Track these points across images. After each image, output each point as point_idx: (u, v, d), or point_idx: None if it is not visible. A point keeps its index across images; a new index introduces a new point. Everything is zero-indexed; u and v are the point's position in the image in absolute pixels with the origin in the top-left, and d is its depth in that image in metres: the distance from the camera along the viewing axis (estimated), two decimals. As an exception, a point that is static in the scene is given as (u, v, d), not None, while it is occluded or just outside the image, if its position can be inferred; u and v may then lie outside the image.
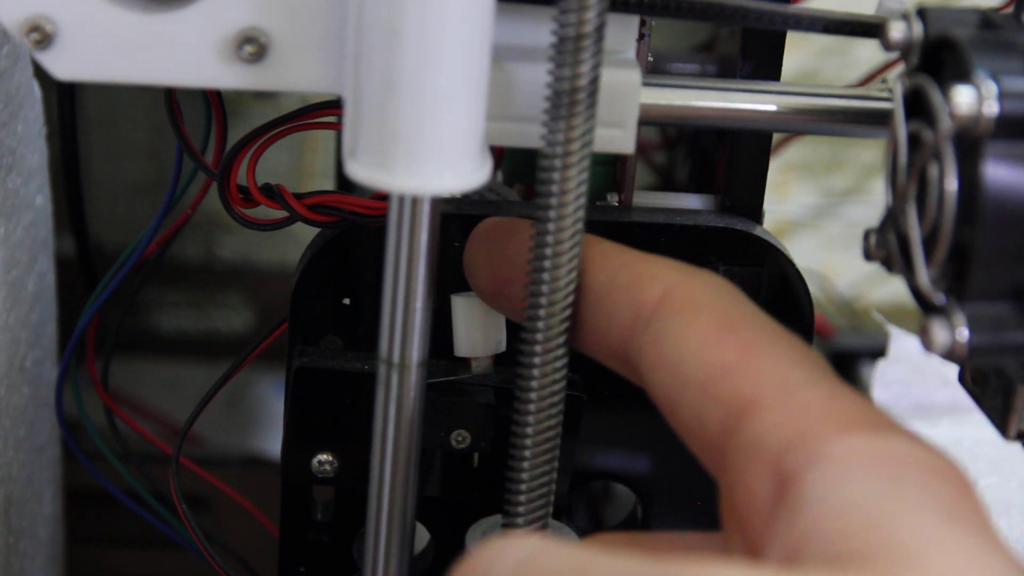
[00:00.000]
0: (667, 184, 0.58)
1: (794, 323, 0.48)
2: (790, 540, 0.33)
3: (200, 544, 0.49)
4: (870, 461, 0.33)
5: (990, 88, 0.35)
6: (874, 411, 0.35)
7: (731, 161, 0.48)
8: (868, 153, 0.93)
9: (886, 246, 0.39)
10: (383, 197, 0.44)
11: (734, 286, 0.38)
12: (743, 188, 0.49)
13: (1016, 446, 0.40)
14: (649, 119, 0.43)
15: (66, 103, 0.54)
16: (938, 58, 0.37)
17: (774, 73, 0.47)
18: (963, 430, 0.66)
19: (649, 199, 0.49)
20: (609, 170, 0.49)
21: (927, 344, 0.36)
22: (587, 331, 0.40)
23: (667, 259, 0.39)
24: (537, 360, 0.39)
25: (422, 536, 0.49)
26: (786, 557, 0.33)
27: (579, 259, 0.39)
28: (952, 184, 0.36)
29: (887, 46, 0.38)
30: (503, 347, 0.45)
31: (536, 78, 0.39)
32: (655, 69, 0.48)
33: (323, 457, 0.47)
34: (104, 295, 0.49)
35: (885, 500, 0.32)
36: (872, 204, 0.93)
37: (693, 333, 0.37)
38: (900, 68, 0.39)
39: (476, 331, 0.45)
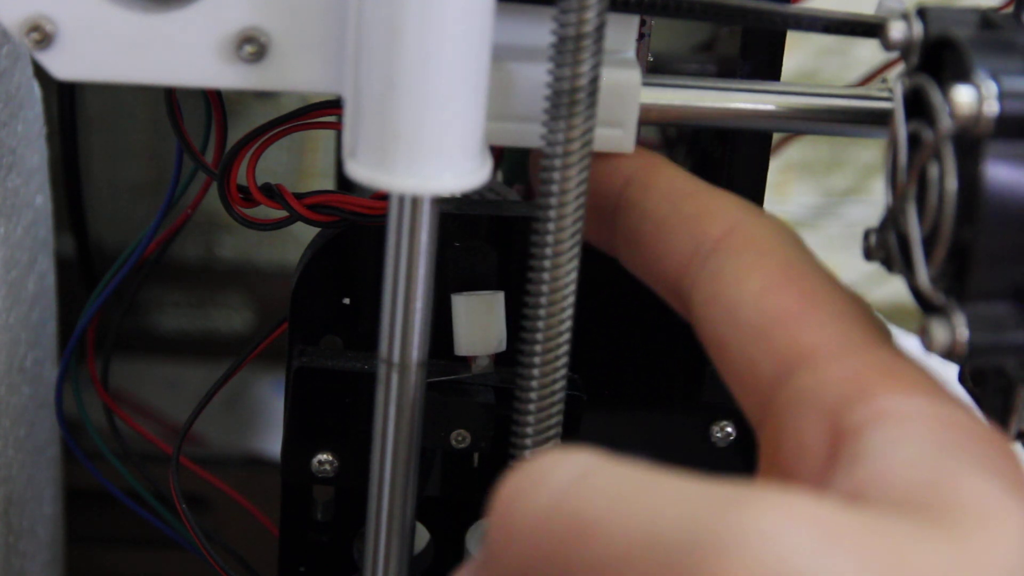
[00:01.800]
0: (667, 184, 0.58)
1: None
2: (850, 486, 0.32)
3: (200, 544, 0.49)
4: (930, 423, 0.33)
5: (990, 88, 0.35)
6: (933, 379, 0.35)
7: (731, 161, 0.48)
8: (868, 153, 0.93)
9: (886, 246, 0.39)
10: (383, 197, 0.44)
11: (797, 234, 0.38)
12: (743, 188, 0.48)
13: (1016, 446, 0.40)
14: (649, 119, 0.43)
15: (66, 103, 0.54)
16: (938, 58, 0.37)
17: (774, 73, 0.47)
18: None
19: (649, 199, 0.49)
20: (609, 170, 0.49)
21: (927, 344, 0.36)
22: (645, 257, 0.39)
23: (734, 196, 0.38)
24: (537, 360, 0.39)
25: (422, 536, 0.49)
26: (847, 499, 0.32)
27: (650, 187, 0.38)
28: (952, 184, 0.36)
29: (887, 46, 0.38)
30: (503, 346, 0.45)
31: (536, 78, 0.39)
32: (655, 69, 0.48)
33: (323, 457, 0.47)
34: (104, 295, 0.49)
35: (948, 460, 0.32)
36: (872, 204, 0.93)
37: (755, 275, 0.36)
38: (900, 68, 0.39)
39: (476, 330, 0.45)
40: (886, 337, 0.36)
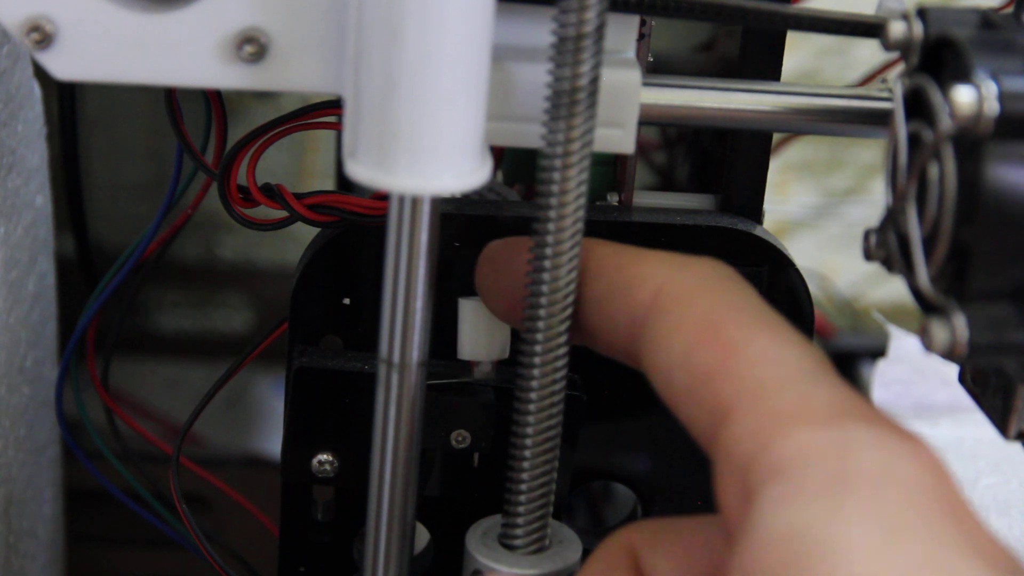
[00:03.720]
0: (667, 184, 0.58)
1: (794, 323, 0.47)
2: (739, 567, 0.33)
3: (200, 544, 0.49)
4: (821, 468, 0.33)
5: (990, 88, 0.35)
6: (844, 401, 0.34)
7: (731, 161, 0.48)
8: (868, 153, 0.93)
9: (886, 246, 0.39)
10: (383, 197, 0.44)
11: (728, 270, 0.38)
12: (743, 188, 0.49)
13: (1016, 446, 0.40)
14: (649, 119, 0.43)
15: (66, 103, 0.54)
16: (938, 58, 0.37)
17: (774, 73, 0.47)
18: (963, 430, 0.66)
19: (649, 199, 0.49)
20: (609, 170, 0.49)
21: (927, 344, 0.36)
22: (596, 336, 0.40)
23: (661, 254, 0.39)
24: (537, 360, 0.39)
25: (422, 536, 0.49)
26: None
27: (579, 264, 0.39)
28: (952, 184, 0.36)
29: (887, 46, 0.38)
30: (507, 353, 0.45)
31: (536, 78, 0.39)
32: (655, 69, 0.48)
33: (323, 457, 0.47)
34: (104, 295, 0.49)
35: (827, 523, 0.32)
36: (872, 204, 0.93)
37: (678, 336, 0.37)
38: (900, 68, 0.39)
39: (481, 335, 0.45)
40: (804, 370, 0.35)
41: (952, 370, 0.41)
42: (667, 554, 0.38)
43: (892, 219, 0.38)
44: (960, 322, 0.36)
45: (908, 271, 0.38)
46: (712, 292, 0.37)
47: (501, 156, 0.51)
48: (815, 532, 0.32)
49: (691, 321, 0.37)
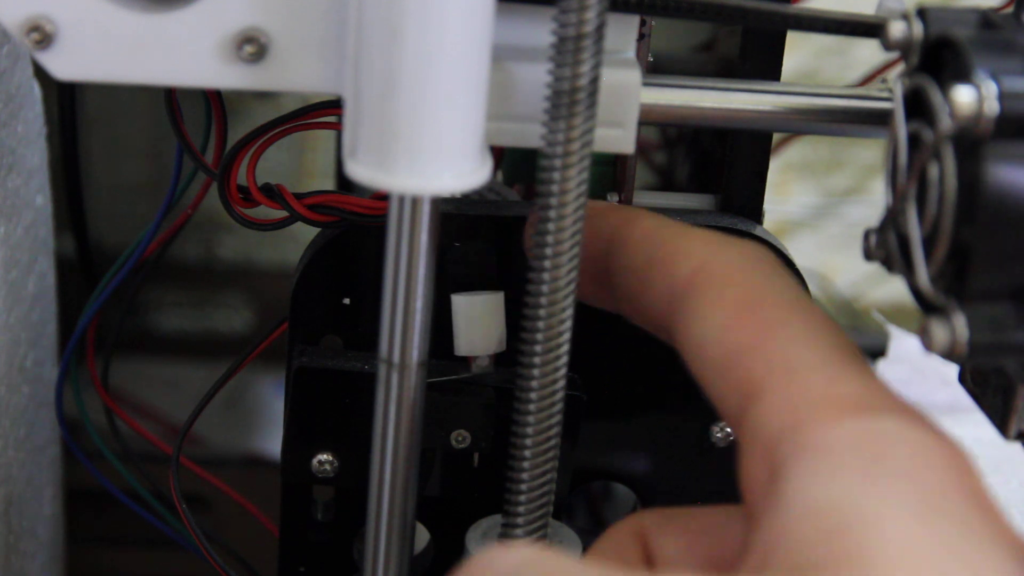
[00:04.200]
0: (667, 184, 0.58)
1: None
2: (766, 541, 0.33)
3: (200, 544, 0.49)
4: (855, 452, 0.33)
5: (990, 88, 0.35)
6: (875, 391, 0.35)
7: (731, 161, 0.48)
8: (868, 153, 0.93)
9: (886, 246, 0.39)
10: (383, 197, 0.44)
11: (768, 254, 0.39)
12: (743, 188, 0.49)
13: (1016, 446, 0.40)
14: (649, 119, 0.43)
15: (66, 103, 0.54)
16: (938, 58, 0.37)
17: (774, 73, 0.47)
18: (963, 430, 0.66)
19: (649, 199, 0.49)
20: (609, 170, 0.49)
21: (927, 344, 0.36)
22: (637, 308, 0.40)
23: (704, 232, 0.39)
24: (537, 360, 0.39)
25: (422, 536, 0.49)
26: (758, 563, 0.33)
27: (611, 238, 0.39)
28: (952, 184, 0.36)
29: (887, 46, 0.38)
30: (503, 346, 0.45)
31: (536, 78, 0.39)
32: (655, 69, 0.48)
33: (323, 457, 0.47)
34: (104, 295, 0.49)
35: (860, 499, 0.33)
36: (872, 204, 0.93)
37: (716, 312, 0.37)
38: (900, 68, 0.39)
39: (476, 330, 0.45)
40: (836, 354, 0.36)
41: (952, 370, 0.41)
42: (676, 537, 0.38)
43: (892, 219, 0.38)
44: (960, 322, 0.36)
45: (908, 271, 0.38)
46: (751, 273, 0.38)
47: (501, 156, 0.51)
48: (849, 506, 0.32)
49: (729, 299, 0.37)
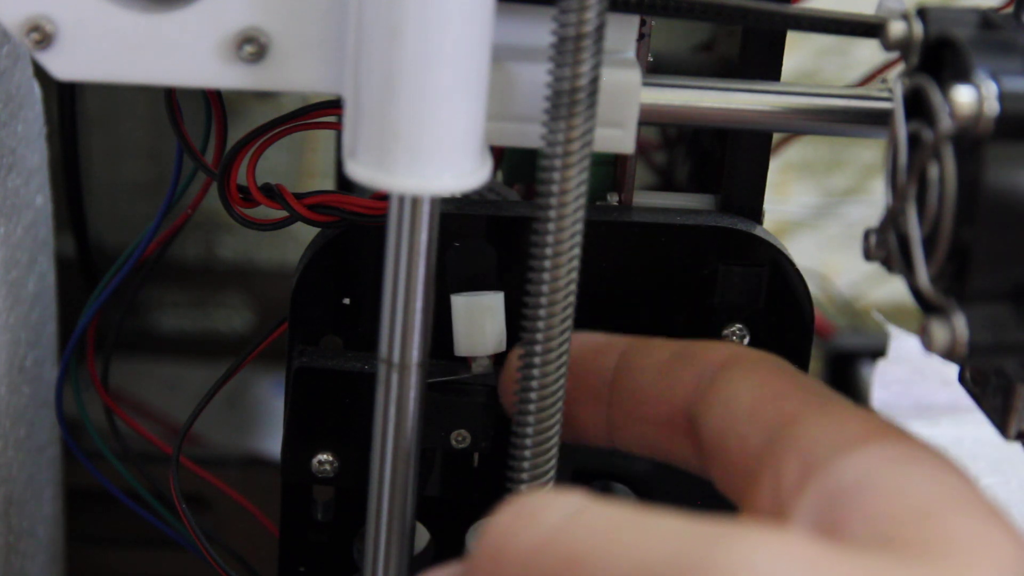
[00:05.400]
0: (667, 184, 0.58)
1: (794, 323, 0.48)
2: (834, 516, 0.33)
3: (200, 544, 0.49)
4: (907, 457, 0.34)
5: (990, 88, 0.35)
6: (897, 434, 0.36)
7: (731, 161, 0.48)
8: (868, 153, 0.93)
9: (886, 246, 0.39)
10: (383, 197, 0.44)
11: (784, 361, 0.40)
12: (743, 188, 0.49)
13: (1016, 446, 0.40)
14: (649, 119, 0.43)
15: (66, 103, 0.54)
16: (938, 58, 0.37)
17: (774, 73, 0.47)
18: (963, 430, 0.66)
19: (649, 199, 0.49)
20: (609, 170, 0.49)
21: (927, 344, 0.36)
22: (647, 408, 0.41)
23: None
24: (537, 360, 0.39)
25: (422, 536, 0.49)
26: (823, 528, 0.33)
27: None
28: (952, 184, 0.36)
29: (887, 46, 0.38)
30: (503, 347, 0.45)
31: (536, 78, 0.39)
32: (655, 69, 0.48)
33: (323, 457, 0.47)
34: (104, 295, 0.49)
35: (931, 490, 0.33)
36: (872, 204, 0.93)
37: (753, 376, 0.38)
38: (900, 68, 0.39)
39: (476, 331, 0.45)
40: (872, 416, 0.37)
41: (952, 370, 0.41)
42: None
43: (892, 219, 0.38)
44: (960, 322, 0.36)
45: (908, 271, 0.38)
46: (781, 362, 0.39)
47: (501, 156, 0.51)
48: (928, 495, 0.33)
49: (764, 369, 0.38)
